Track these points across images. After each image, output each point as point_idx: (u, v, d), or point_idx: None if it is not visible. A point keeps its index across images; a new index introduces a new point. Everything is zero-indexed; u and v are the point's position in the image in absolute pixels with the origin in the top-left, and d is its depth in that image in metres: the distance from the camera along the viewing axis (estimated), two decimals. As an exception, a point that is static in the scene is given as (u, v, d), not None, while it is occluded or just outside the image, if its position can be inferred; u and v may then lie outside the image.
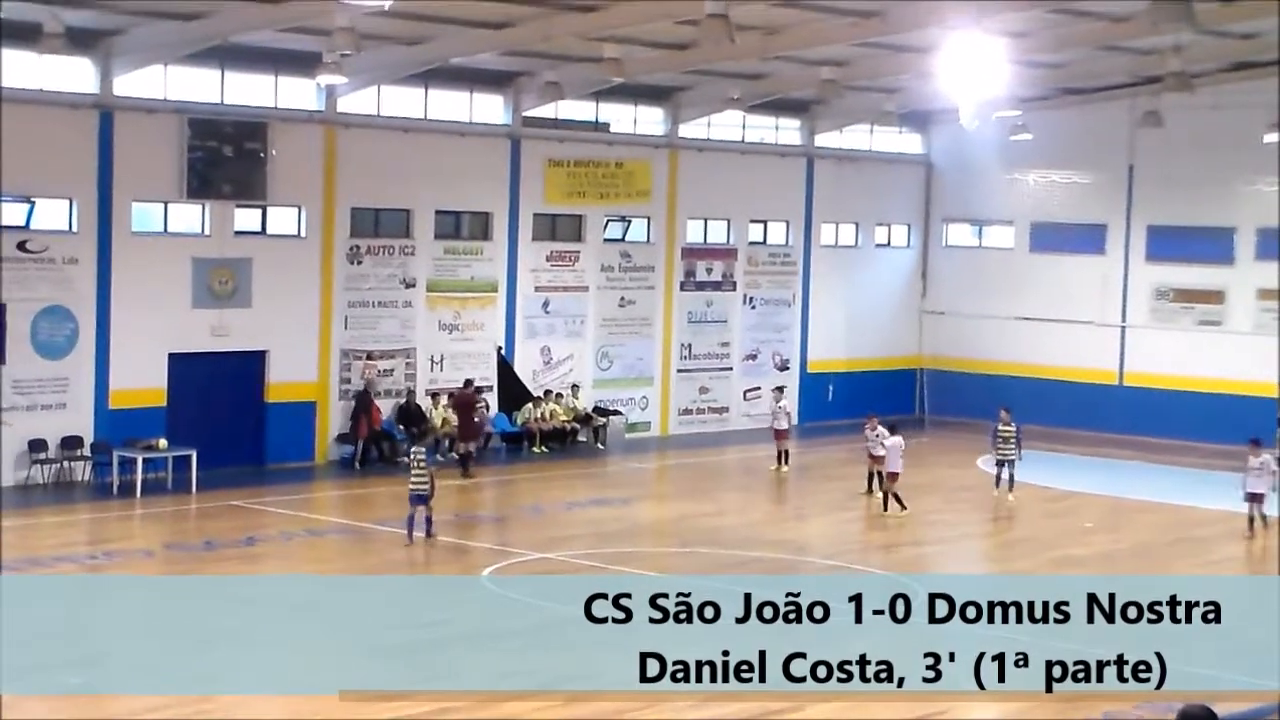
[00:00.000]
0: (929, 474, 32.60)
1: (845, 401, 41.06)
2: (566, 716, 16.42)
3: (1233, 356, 39.70)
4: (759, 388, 41.04)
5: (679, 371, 40.13)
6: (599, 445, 37.35)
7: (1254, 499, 28.19)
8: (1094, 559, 26.57)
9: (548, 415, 36.65)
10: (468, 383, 34.33)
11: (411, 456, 26.18)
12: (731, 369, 41.16)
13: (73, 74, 29.74)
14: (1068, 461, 36.53)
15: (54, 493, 29.32)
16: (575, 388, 37.63)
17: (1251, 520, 28.18)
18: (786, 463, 34.61)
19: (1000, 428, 31.33)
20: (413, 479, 25.58)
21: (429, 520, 25.58)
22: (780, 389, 37.47)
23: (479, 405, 34.23)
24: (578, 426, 37.28)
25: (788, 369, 42.15)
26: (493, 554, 25.31)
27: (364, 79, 32.47)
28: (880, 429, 30.61)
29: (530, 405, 36.33)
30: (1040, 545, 28.06)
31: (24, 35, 27.58)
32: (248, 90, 32.05)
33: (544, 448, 36.21)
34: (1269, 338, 38.49)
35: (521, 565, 24.37)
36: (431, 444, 28.95)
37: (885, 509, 29.33)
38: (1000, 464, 31.33)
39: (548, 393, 36.88)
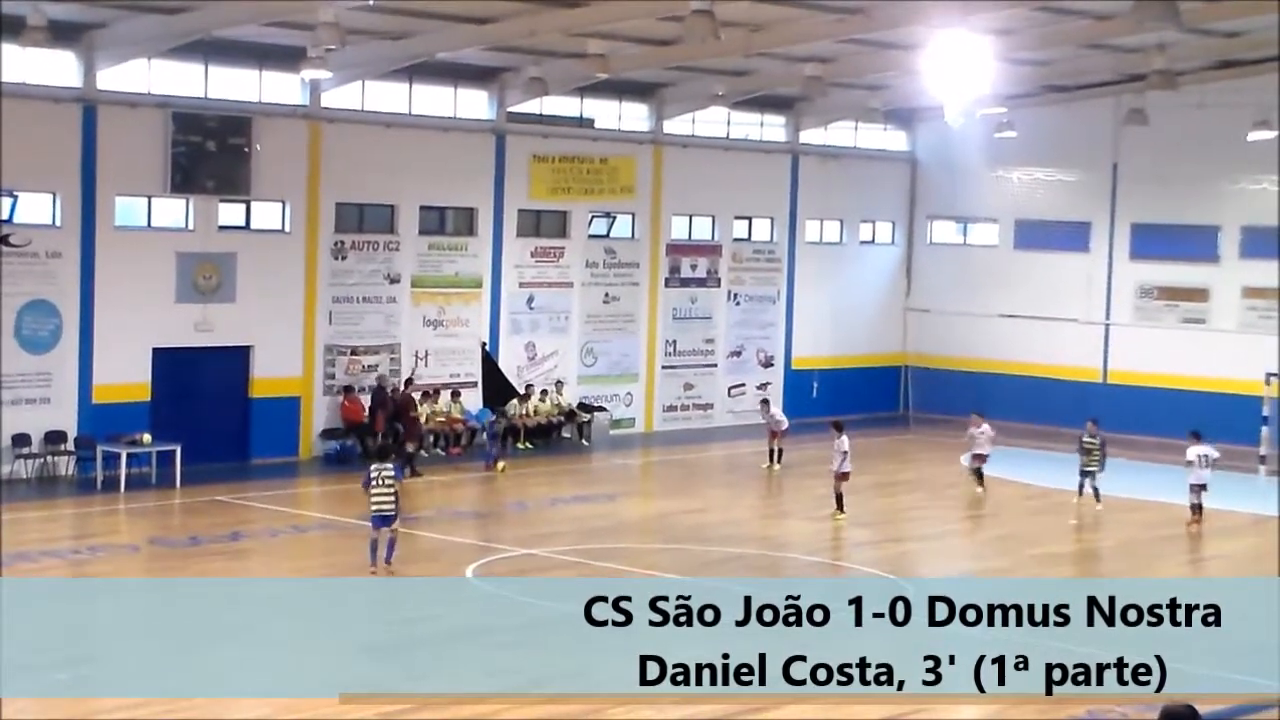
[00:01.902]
0: (913, 471, 32.64)
1: (830, 398, 41.00)
2: (549, 715, 16.39)
3: (1217, 354, 39.76)
4: (743, 384, 41.08)
5: (663, 368, 40.10)
6: (583, 441, 37.31)
7: (1200, 489, 28.59)
8: (1078, 556, 26.62)
9: (532, 411, 36.62)
10: (408, 382, 34.11)
11: (377, 473, 22.83)
12: (716, 365, 41.14)
13: (56, 67, 29.67)
14: (1051, 459, 36.46)
15: (37, 488, 29.25)
16: (560, 384, 37.56)
17: (1195, 509, 28.50)
18: (779, 461, 34.56)
19: (1085, 439, 31.01)
20: (374, 498, 22.69)
21: (391, 544, 22.91)
22: (765, 401, 36.78)
23: (419, 405, 33.78)
24: (562, 422, 37.25)
25: (772, 365, 42.15)
26: (476, 549, 25.24)
27: (348, 74, 32.40)
28: (985, 426, 31.54)
29: (515, 401, 36.27)
30: (1022, 542, 28.08)
31: (7, 28, 27.46)
32: (232, 85, 31.95)
33: (528, 444, 36.18)
34: (1253, 335, 38.57)
35: (505, 561, 24.34)
36: (404, 460, 28.11)
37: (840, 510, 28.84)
38: (1084, 474, 30.90)
39: (531, 388, 36.83)
